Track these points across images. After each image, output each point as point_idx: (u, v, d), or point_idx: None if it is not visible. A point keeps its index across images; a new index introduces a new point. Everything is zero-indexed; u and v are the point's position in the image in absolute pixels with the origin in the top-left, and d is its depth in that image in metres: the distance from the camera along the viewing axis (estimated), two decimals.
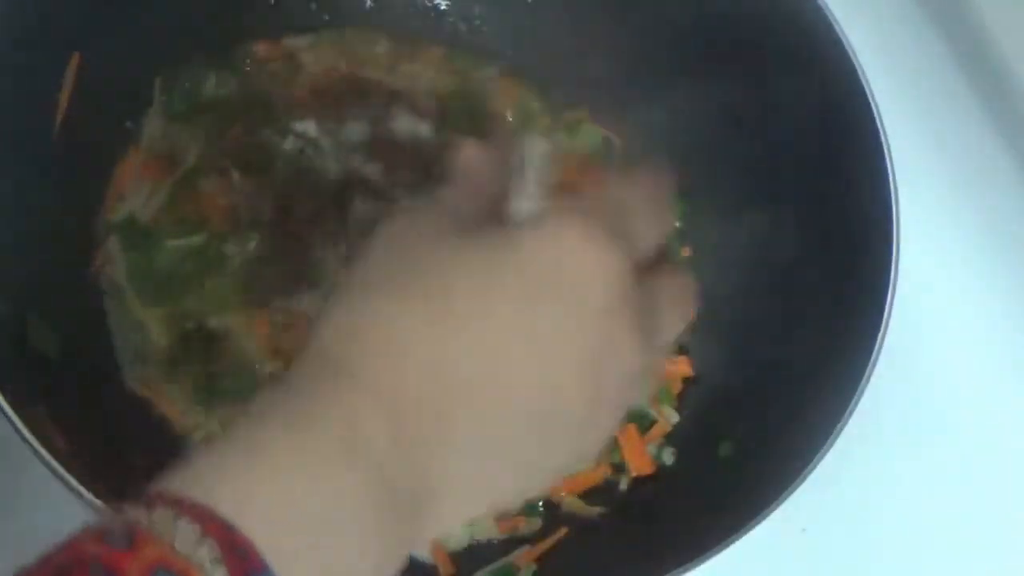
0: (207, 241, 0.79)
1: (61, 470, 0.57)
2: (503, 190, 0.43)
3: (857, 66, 0.74)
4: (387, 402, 0.37)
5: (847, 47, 0.74)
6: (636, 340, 0.41)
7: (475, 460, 0.39)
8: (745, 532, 0.62)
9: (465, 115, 0.90)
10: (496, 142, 0.46)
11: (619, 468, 0.78)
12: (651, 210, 0.45)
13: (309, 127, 0.86)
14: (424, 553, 0.72)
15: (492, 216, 0.42)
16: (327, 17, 0.91)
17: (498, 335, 0.39)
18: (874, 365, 0.66)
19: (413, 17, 0.93)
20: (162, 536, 0.31)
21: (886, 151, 0.72)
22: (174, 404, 0.74)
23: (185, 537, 0.31)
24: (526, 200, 0.42)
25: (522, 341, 0.39)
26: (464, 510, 0.41)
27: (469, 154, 0.46)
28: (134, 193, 0.80)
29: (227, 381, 0.75)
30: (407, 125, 0.88)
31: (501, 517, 0.74)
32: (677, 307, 0.45)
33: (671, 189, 0.47)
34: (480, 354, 0.39)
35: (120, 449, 0.68)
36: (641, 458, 0.77)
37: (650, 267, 0.44)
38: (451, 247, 0.40)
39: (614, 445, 0.78)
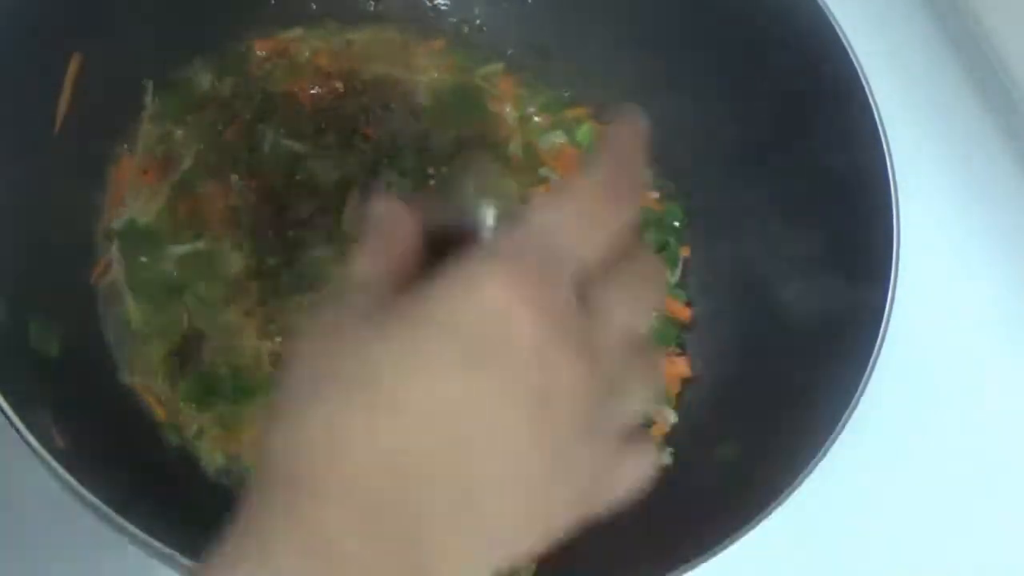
0: (207, 246, 0.79)
1: (61, 470, 0.57)
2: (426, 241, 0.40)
3: (857, 66, 0.74)
4: (354, 507, 0.35)
5: (847, 47, 0.74)
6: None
7: (457, 538, 0.37)
8: (745, 532, 0.61)
9: (464, 113, 0.90)
10: (436, 203, 0.43)
11: None
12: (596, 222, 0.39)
13: (307, 126, 0.86)
14: None
15: (419, 273, 0.39)
16: (328, 17, 0.91)
17: (436, 407, 0.36)
18: (874, 365, 0.66)
19: (414, 17, 0.93)
20: None
21: (886, 151, 0.72)
22: (171, 405, 0.74)
23: None
24: None
25: (463, 408, 0.36)
26: None
27: (380, 210, 0.41)
28: (133, 197, 0.80)
29: (224, 384, 0.75)
30: (406, 123, 0.88)
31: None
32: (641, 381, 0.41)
33: (645, 155, 0.41)
34: (425, 431, 0.36)
35: (119, 449, 0.68)
36: None
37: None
38: (374, 325, 0.37)
39: None
